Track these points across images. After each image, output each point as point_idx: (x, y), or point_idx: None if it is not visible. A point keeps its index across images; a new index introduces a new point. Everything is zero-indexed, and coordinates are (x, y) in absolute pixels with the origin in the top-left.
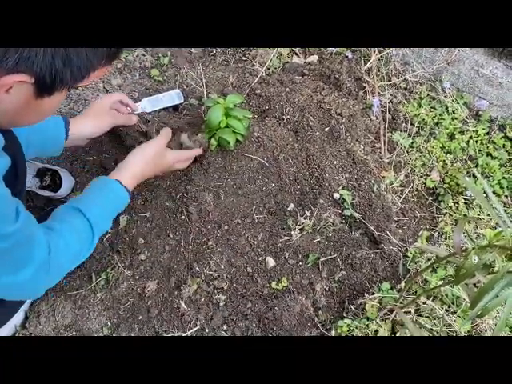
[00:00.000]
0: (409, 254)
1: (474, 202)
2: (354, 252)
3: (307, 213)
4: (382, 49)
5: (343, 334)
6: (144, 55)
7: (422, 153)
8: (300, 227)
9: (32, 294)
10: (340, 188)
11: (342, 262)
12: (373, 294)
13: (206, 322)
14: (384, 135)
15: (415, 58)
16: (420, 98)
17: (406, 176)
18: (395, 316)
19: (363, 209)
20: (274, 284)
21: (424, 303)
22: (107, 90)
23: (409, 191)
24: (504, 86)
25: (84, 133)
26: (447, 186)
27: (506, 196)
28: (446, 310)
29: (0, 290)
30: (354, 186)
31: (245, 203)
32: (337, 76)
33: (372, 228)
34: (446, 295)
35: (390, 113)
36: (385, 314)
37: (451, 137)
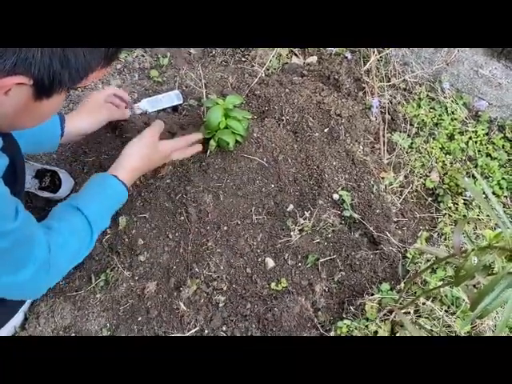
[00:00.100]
0: (408, 255)
1: (473, 203)
2: (353, 253)
3: (306, 214)
4: (381, 49)
5: (343, 335)
6: (143, 56)
7: (421, 153)
8: (299, 228)
9: (33, 293)
10: (339, 189)
11: (342, 263)
12: (372, 294)
13: (206, 322)
14: (383, 136)
15: (414, 58)
16: (419, 98)
17: (406, 177)
18: (395, 317)
19: (363, 209)
20: (273, 285)
21: (423, 304)
22: None
23: (408, 192)
24: (503, 86)
25: (79, 129)
26: (447, 186)
27: (506, 197)
28: (446, 311)
29: (1, 290)
30: (353, 186)
31: (244, 204)
32: (336, 77)
33: (371, 229)
34: (446, 296)
35: (389, 113)
36: (384, 314)
37: (451, 137)
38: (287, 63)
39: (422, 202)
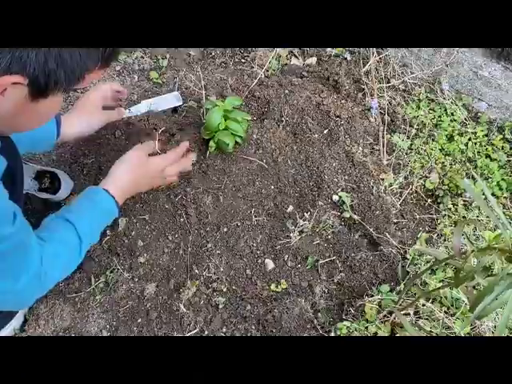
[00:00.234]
0: (408, 256)
1: (473, 204)
2: (353, 254)
3: (306, 215)
4: (380, 51)
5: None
6: (143, 58)
7: (420, 155)
8: (299, 229)
9: (25, 302)
10: (339, 190)
11: (341, 264)
12: (372, 296)
13: (206, 324)
14: (383, 137)
15: (414, 59)
16: (419, 99)
17: (405, 178)
18: (394, 318)
19: (362, 211)
20: (273, 286)
21: (423, 305)
22: None
23: (408, 193)
24: (503, 87)
25: (75, 132)
26: (446, 187)
27: (505, 198)
28: (446, 312)
29: None
30: (353, 188)
31: (244, 205)
32: (336, 78)
33: (371, 230)
34: (446, 297)
35: (388, 115)
36: (384, 316)
37: (450, 138)
38: (287, 64)
39: (422, 203)
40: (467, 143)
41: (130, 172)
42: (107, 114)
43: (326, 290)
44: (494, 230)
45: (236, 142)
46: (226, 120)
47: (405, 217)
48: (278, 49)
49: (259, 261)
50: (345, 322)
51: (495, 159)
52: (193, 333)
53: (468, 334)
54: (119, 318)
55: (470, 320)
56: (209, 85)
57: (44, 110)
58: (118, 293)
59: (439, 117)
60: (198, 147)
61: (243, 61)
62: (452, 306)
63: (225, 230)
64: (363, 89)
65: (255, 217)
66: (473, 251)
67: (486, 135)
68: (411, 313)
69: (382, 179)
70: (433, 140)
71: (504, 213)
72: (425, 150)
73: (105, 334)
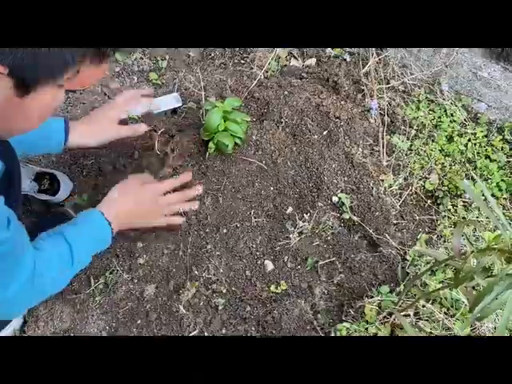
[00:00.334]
0: (408, 257)
1: (472, 205)
2: (352, 255)
3: (306, 216)
4: (380, 52)
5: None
6: (142, 59)
7: (420, 155)
8: (299, 230)
9: (15, 310)
10: (339, 191)
11: (341, 266)
12: (372, 297)
13: (205, 325)
14: (382, 138)
15: (413, 60)
16: (418, 100)
17: (405, 179)
18: (394, 319)
19: (362, 212)
20: (272, 287)
21: (423, 306)
22: (105, 94)
23: (408, 194)
24: (502, 88)
25: (82, 144)
26: (446, 188)
27: (505, 198)
28: (445, 313)
29: None
30: (352, 189)
31: (243, 207)
32: (335, 79)
33: (371, 231)
34: (445, 298)
35: (388, 116)
36: (384, 317)
37: (450, 139)
38: (286, 65)
39: (422, 204)
40: (467, 144)
41: (121, 201)
42: (117, 130)
43: (326, 291)
44: (494, 230)
45: (235, 143)
46: (225, 121)
47: (404, 218)
48: (277, 50)
49: (259, 262)
50: (344, 324)
51: (495, 160)
52: (192, 334)
53: (468, 335)
54: (119, 319)
55: (470, 321)
56: (208, 86)
57: (34, 105)
58: (118, 294)
59: (439, 118)
60: (197, 148)
61: (242, 62)
62: (452, 307)
63: (224, 231)
64: (363, 90)
65: (255, 218)
66: (472, 252)
67: (486, 136)
68: (411, 314)
69: (382, 180)
70: (432, 141)
71: (504, 213)
72: (424, 151)
73: (104, 335)
